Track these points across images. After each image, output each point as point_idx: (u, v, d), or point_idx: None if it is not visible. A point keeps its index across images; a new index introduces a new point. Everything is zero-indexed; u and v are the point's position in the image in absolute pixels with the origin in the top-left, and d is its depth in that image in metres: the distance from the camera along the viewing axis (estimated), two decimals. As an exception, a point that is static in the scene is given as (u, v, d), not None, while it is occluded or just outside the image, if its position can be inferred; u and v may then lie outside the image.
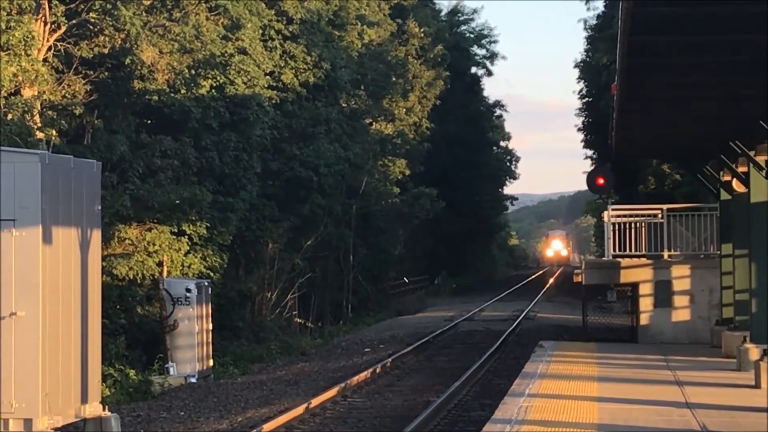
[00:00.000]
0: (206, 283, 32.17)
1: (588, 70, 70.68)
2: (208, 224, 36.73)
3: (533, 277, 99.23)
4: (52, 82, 31.40)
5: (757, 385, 19.53)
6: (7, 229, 16.75)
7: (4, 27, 29.25)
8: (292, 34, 46.72)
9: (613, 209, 31.79)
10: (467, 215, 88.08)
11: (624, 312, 35.53)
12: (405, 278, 70.43)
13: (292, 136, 47.03)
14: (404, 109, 64.44)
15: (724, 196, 28.10)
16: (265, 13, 43.38)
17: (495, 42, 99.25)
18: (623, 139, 28.07)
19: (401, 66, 62.24)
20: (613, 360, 25.22)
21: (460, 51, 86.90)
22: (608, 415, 16.73)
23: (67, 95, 32.15)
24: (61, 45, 32.51)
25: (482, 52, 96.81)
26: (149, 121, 36.67)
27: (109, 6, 32.16)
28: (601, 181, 35.35)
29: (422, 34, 68.10)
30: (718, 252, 29.05)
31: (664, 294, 30.01)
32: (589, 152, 76.77)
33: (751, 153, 22.66)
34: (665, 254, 30.73)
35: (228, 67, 38.24)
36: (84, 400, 17.75)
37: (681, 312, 29.93)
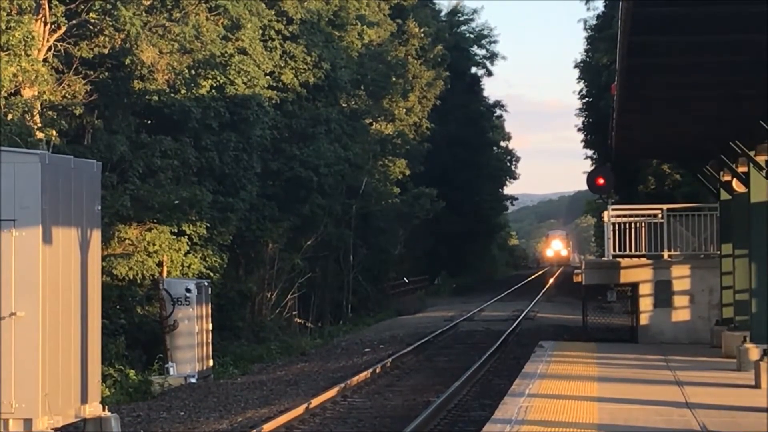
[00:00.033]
0: (206, 283, 32.16)
1: (588, 70, 70.67)
2: (208, 224, 36.73)
3: (533, 277, 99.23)
4: (52, 83, 31.40)
5: (757, 385, 19.53)
6: (7, 229, 16.75)
7: (4, 27, 29.26)
8: (292, 35, 46.72)
9: (613, 209, 31.78)
10: (467, 215, 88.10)
11: (624, 312, 35.52)
12: (405, 278, 70.43)
13: (292, 136, 47.04)
14: (404, 109, 64.45)
15: (724, 196, 28.09)
16: (265, 13, 43.39)
17: (495, 42, 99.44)
18: (623, 139, 28.07)
19: (401, 66, 62.25)
20: (613, 360, 25.22)
21: (460, 51, 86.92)
22: (608, 415, 16.72)
23: (67, 95, 32.15)
24: (61, 45, 32.51)
25: (482, 52, 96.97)
26: (149, 121, 36.68)
27: (109, 6, 32.16)
28: (601, 181, 35.35)
29: (422, 35, 68.11)
30: (718, 252, 29.04)
31: (664, 294, 30.01)
32: (589, 152, 76.83)
33: (751, 153, 22.67)
34: (665, 254, 30.73)
35: (228, 67, 38.25)
36: (84, 400, 17.75)
37: (681, 312, 29.93)
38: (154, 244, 34.28)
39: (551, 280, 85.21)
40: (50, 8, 31.70)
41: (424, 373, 29.08)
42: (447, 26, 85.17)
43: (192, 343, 30.49)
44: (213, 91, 37.88)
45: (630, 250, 31.00)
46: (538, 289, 74.12)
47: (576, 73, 76.80)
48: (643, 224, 31.14)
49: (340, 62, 50.38)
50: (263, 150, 42.80)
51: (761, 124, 20.49)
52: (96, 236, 18.37)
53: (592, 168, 64.67)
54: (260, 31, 42.68)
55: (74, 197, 17.65)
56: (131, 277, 33.29)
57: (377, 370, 28.59)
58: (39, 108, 30.51)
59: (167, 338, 30.48)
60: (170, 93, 36.09)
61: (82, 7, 32.59)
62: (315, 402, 22.86)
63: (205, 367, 31.00)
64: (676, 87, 20.42)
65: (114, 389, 27.84)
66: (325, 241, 51.60)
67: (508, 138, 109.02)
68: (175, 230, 35.42)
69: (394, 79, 60.54)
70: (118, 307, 33.30)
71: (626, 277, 30.52)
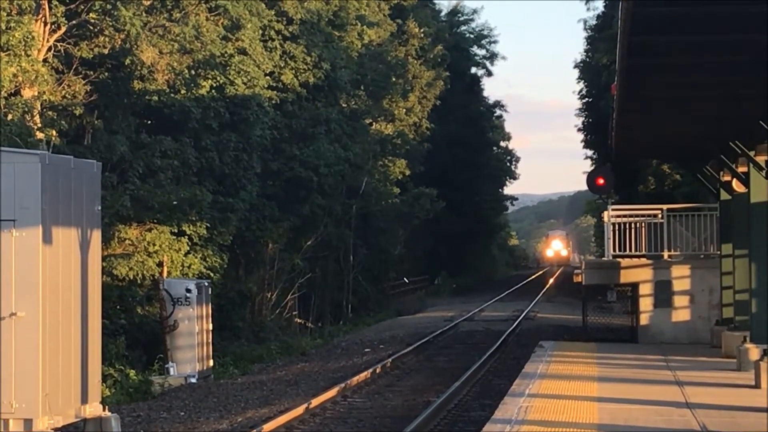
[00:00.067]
0: (206, 284, 32.17)
1: (588, 70, 70.67)
2: (208, 224, 36.74)
3: (533, 277, 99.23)
4: (52, 83, 31.40)
5: (757, 385, 19.53)
6: (7, 229, 16.75)
7: (4, 27, 29.26)
8: (292, 35, 46.73)
9: (613, 209, 31.78)
10: (467, 215, 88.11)
11: (624, 312, 35.52)
12: (405, 278, 70.43)
13: (292, 136, 47.04)
14: (404, 110, 64.45)
15: (724, 196, 28.09)
16: (265, 13, 43.39)
17: (495, 42, 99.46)
18: (623, 139, 28.07)
19: (401, 66, 62.25)
20: (613, 360, 25.22)
21: (460, 51, 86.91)
22: (608, 415, 16.72)
23: (67, 95, 32.15)
24: (61, 45, 32.51)
25: (482, 52, 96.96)
26: (149, 122, 36.68)
27: (109, 6, 32.17)
28: (601, 181, 35.35)
29: (422, 35, 68.11)
30: (718, 252, 29.04)
31: (664, 294, 30.01)
32: (589, 152, 76.83)
33: (751, 153, 22.66)
34: (665, 254, 30.73)
35: (228, 68, 38.25)
36: (84, 400, 17.75)
37: (681, 312, 29.93)
38: (154, 245, 34.28)
39: (551, 281, 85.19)
40: (50, 8, 31.70)
41: (424, 373, 29.08)
42: (447, 26, 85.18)
43: (192, 344, 30.49)
44: (213, 91, 37.89)
45: (630, 250, 31.00)
46: (538, 289, 74.10)
47: (576, 73, 76.90)
48: (643, 224, 31.14)
49: (340, 62, 50.38)
50: (263, 150, 42.80)
51: (761, 124, 20.50)
52: (96, 236, 18.38)
53: (592, 168, 64.67)
54: (260, 32, 42.69)
55: (74, 197, 17.65)
56: (131, 278, 33.29)
57: (377, 370, 28.59)
58: (39, 108, 30.51)
59: (167, 338, 30.48)
60: (170, 93, 36.09)
61: (82, 7, 32.59)
62: (315, 402, 22.87)
63: (205, 367, 31.00)
64: (676, 87, 20.42)
65: (114, 389, 27.84)
66: (325, 241, 51.61)
67: (508, 138, 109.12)
68: (175, 230, 35.43)
69: (394, 79, 60.55)
70: (118, 307, 33.30)
71: (626, 277, 30.52)
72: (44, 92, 30.54)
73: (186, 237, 35.86)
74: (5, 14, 29.51)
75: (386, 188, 61.37)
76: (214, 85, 37.92)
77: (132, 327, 33.31)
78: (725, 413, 16.94)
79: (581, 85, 74.73)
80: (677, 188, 52.76)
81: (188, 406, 24.95)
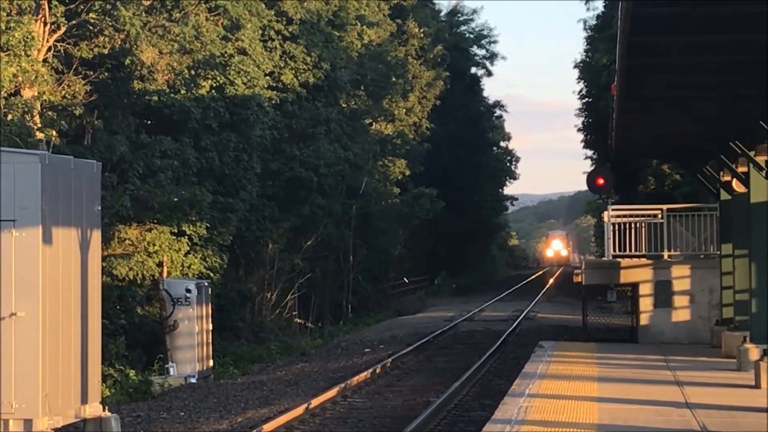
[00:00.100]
0: (206, 284, 32.16)
1: (588, 70, 70.69)
2: (208, 224, 36.74)
3: (533, 277, 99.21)
4: (52, 83, 31.40)
5: (757, 385, 19.53)
6: (7, 229, 16.75)
7: (4, 27, 29.26)
8: (292, 35, 46.73)
9: (613, 209, 31.78)
10: (467, 215, 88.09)
11: (624, 312, 35.52)
12: (405, 278, 70.43)
13: (292, 136, 47.04)
14: (404, 110, 64.45)
15: (724, 196, 28.09)
16: (264, 13, 43.40)
17: (495, 42, 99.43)
18: (623, 139, 28.06)
19: (401, 66, 62.25)
20: (613, 360, 25.22)
21: (460, 51, 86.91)
22: (608, 415, 16.73)
23: (67, 96, 32.15)
24: (60, 45, 32.51)
25: (482, 52, 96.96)
26: (149, 122, 36.68)
27: (108, 6, 32.17)
28: (601, 181, 35.35)
29: (422, 35, 68.11)
30: (718, 252, 29.04)
31: (664, 294, 30.01)
32: (589, 152, 76.85)
33: (751, 153, 22.66)
34: (665, 254, 30.73)
35: (228, 68, 38.25)
36: (84, 400, 17.75)
37: (681, 312, 29.92)
38: (154, 245, 34.28)
39: (551, 281, 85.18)
40: (50, 8, 31.70)
41: (424, 374, 29.08)
42: (447, 26, 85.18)
43: (192, 344, 30.49)
44: (213, 91, 37.89)
45: (630, 250, 31.00)
46: (538, 289, 74.10)
47: (576, 73, 76.92)
48: (643, 224, 31.14)
49: (339, 62, 50.38)
50: (263, 150, 42.80)
51: (761, 124, 20.49)
52: (96, 236, 18.38)
53: (592, 168, 64.70)
54: (260, 32, 42.69)
55: (74, 197, 17.65)
56: (131, 278, 33.29)
57: (377, 370, 28.59)
58: (39, 108, 30.51)
59: (167, 338, 30.48)
60: (170, 93, 36.09)
61: (82, 7, 32.59)
62: (315, 402, 22.87)
63: (205, 368, 31.00)
64: (675, 87, 20.41)
65: (114, 389, 27.84)
66: (325, 242, 51.61)
67: (508, 138, 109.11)
68: (175, 230, 35.43)
69: (393, 79, 60.55)
70: (118, 307, 33.30)
71: (626, 277, 30.51)
72: (44, 92, 30.54)
73: (186, 237, 35.87)
74: (5, 14, 29.52)
75: (386, 188, 61.37)
76: (214, 85, 37.93)
77: (132, 327, 33.31)
78: (725, 413, 16.94)
79: (581, 85, 74.83)
80: (677, 188, 52.76)
81: (188, 406, 24.94)
